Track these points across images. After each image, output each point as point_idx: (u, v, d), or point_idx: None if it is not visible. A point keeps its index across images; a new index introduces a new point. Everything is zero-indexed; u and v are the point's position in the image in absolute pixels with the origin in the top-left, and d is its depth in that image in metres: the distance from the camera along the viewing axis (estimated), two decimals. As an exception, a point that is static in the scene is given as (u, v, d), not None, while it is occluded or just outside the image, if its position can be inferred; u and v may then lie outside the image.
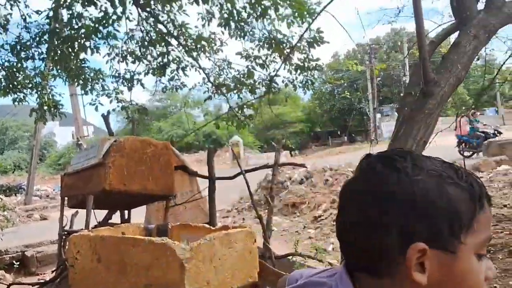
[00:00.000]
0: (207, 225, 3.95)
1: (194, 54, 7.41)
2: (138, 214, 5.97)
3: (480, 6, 3.69)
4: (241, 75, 7.22)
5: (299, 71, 6.91)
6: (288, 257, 4.01)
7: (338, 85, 34.07)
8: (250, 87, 7.06)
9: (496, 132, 15.61)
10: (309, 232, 9.45)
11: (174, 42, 7.41)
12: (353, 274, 0.86)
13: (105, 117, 6.77)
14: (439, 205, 0.78)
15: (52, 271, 7.24)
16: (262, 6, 6.41)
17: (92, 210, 4.74)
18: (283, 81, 7.19)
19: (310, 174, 13.17)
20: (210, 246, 3.21)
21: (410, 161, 0.82)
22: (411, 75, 3.81)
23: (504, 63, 4.69)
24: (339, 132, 39.50)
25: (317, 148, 37.57)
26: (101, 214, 5.57)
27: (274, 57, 7.09)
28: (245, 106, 7.05)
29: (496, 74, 4.84)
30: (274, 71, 6.77)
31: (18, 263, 9.26)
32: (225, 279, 3.28)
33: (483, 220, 0.81)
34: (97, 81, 7.65)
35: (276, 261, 4.02)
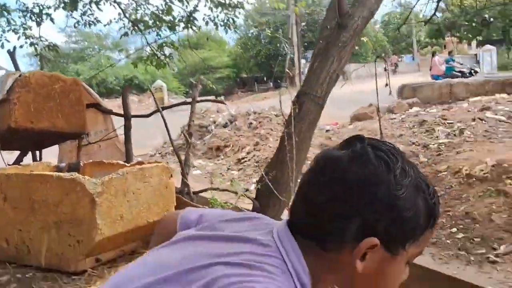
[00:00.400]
0: (121, 162, 3.85)
1: (108, -13, 6.94)
2: (52, 157, 5.69)
3: None
4: (160, 11, 6.88)
5: (220, 8, 6.71)
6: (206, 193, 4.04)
7: (264, 29, 33.80)
8: (169, 24, 6.76)
9: (472, 71, 15.10)
10: (232, 173, 9.58)
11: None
12: (295, 235, 0.87)
13: (11, 54, 6.26)
14: (408, 215, 0.83)
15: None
16: None
17: (1, 152, 4.45)
18: (203, 19, 6.96)
19: (234, 117, 13.20)
20: (122, 180, 3.13)
21: (400, 164, 0.85)
22: (328, 9, 3.83)
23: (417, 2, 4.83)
24: (265, 78, 39.68)
25: (243, 94, 37.59)
26: (13, 157, 5.25)
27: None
28: (164, 44, 6.78)
29: (409, 14, 4.98)
30: (194, 7, 6.51)
31: None
32: (140, 213, 3.24)
33: (428, 236, 0.88)
34: (1, 15, 6.98)
35: (195, 197, 4.04)
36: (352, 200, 0.82)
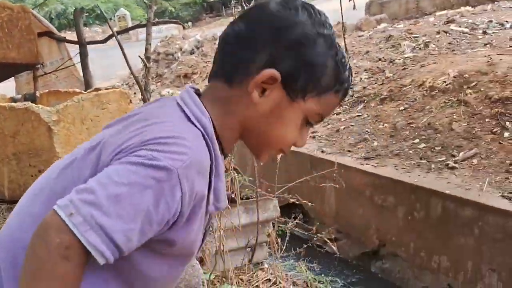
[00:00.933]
0: (78, 90, 3.75)
1: None
2: (9, 90, 5.50)
3: None
4: None
5: None
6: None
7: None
8: None
9: None
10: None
11: None
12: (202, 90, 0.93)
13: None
14: (314, 62, 0.86)
15: None
16: None
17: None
18: None
19: (200, 43, 12.89)
20: (79, 107, 3.06)
21: (322, 19, 0.88)
22: None
23: None
24: (232, 2, 38.35)
25: (211, 20, 36.48)
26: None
27: None
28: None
29: None
30: None
31: None
32: (100, 139, 3.22)
33: (329, 100, 0.90)
34: None
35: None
36: (265, 33, 0.85)
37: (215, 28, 20.11)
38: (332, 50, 0.87)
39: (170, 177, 0.74)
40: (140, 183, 0.72)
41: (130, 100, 3.47)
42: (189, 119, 0.83)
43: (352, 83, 1.02)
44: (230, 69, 0.88)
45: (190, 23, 32.64)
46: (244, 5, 3.23)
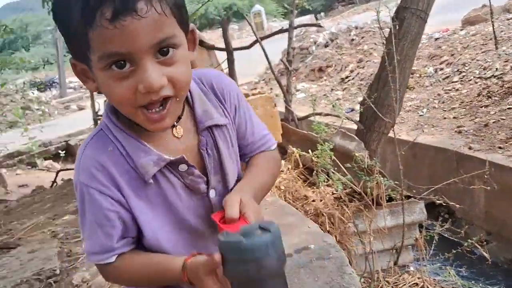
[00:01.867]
0: (228, 95, 4.05)
1: None
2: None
3: None
4: None
5: None
6: (310, 118, 4.11)
7: None
8: None
9: None
10: (336, 94, 9.49)
11: None
12: None
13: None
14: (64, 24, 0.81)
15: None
16: None
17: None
18: None
19: (335, 35, 12.79)
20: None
21: None
22: None
23: None
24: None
25: (343, 8, 35.88)
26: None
27: None
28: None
29: None
30: None
31: (64, 152, 9.91)
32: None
33: (96, 37, 0.76)
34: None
35: (299, 123, 4.15)
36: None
37: (349, 17, 19.78)
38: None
39: (76, 187, 0.95)
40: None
41: (275, 104, 3.65)
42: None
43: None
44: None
45: (322, 14, 32.53)
46: None
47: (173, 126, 0.94)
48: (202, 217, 0.99)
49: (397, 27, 3.02)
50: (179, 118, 0.95)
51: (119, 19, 0.74)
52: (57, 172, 6.37)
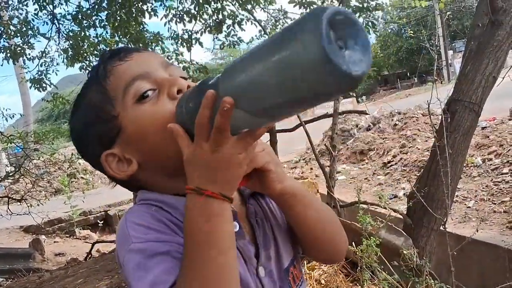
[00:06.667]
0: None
1: (249, 7, 7.27)
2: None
3: None
4: (298, 23, 6.99)
5: (358, 13, 6.57)
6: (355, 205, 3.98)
7: (404, 24, 32.28)
8: (308, 35, 6.82)
9: None
10: (378, 178, 9.29)
11: (227, -4, 7.32)
12: None
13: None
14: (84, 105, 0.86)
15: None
16: None
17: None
18: (341, 25, 6.86)
19: (377, 119, 12.81)
20: (272, 198, 3.25)
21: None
22: (478, 5, 3.50)
23: None
24: (408, 74, 37.78)
25: (385, 92, 36.34)
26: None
27: (331, 1, 6.79)
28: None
29: None
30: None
31: (102, 222, 10.00)
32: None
33: (118, 73, 0.82)
34: (156, 44, 7.77)
35: (342, 210, 4.01)
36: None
37: (391, 102, 19.92)
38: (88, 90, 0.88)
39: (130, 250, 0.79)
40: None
41: (318, 190, 3.56)
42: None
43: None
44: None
45: (364, 97, 33.00)
46: (431, 78, 3.15)
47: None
48: None
49: (449, 120, 2.95)
50: None
51: (119, 59, 0.87)
52: (93, 244, 6.36)
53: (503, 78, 3.20)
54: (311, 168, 11.75)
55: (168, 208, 0.81)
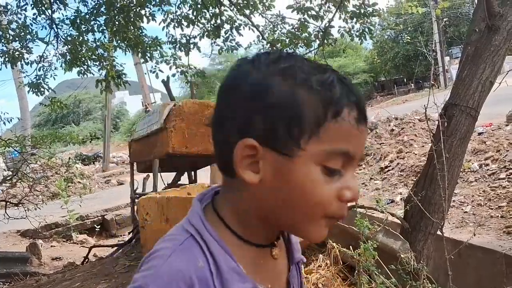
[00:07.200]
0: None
1: (247, 12, 7.31)
2: (204, 175, 6.16)
3: None
4: (295, 29, 7.04)
5: (355, 19, 6.62)
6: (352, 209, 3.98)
7: (401, 30, 32.46)
8: (305, 41, 6.87)
9: None
10: (376, 183, 9.31)
11: (226, 2, 7.35)
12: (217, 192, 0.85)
13: (165, 83, 6.94)
14: (279, 105, 0.72)
15: (129, 233, 7.73)
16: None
17: (160, 173, 4.95)
18: (338, 31, 6.93)
19: (374, 125, 12.85)
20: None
21: (273, 58, 0.75)
22: (475, 10, 3.53)
23: None
24: (405, 80, 37.91)
25: (382, 98, 36.43)
26: (171, 175, 5.82)
27: (328, 7, 6.83)
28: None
29: None
30: (329, 21, 6.53)
31: (99, 226, 9.98)
32: (288, 233, 3.34)
33: (335, 129, 0.72)
34: (155, 48, 7.79)
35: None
36: (221, 107, 0.77)
37: (388, 107, 19.98)
38: (296, 79, 0.73)
39: None
40: None
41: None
42: (182, 225, 0.79)
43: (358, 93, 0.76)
44: (219, 162, 0.79)
45: (361, 102, 33.11)
46: (428, 84, 3.16)
47: (273, 244, 0.84)
48: None
49: (446, 124, 2.96)
50: (278, 237, 0.85)
51: (362, 122, 0.74)
52: (90, 248, 6.34)
53: (500, 83, 3.22)
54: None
55: (214, 270, 0.75)
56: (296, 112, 0.71)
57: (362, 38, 6.85)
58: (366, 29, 6.78)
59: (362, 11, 6.53)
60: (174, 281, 0.71)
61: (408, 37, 28.07)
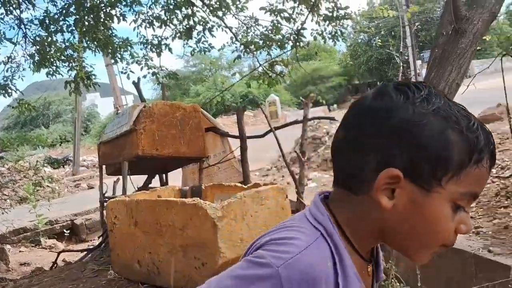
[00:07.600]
0: (239, 184, 3.98)
1: (220, 13, 7.27)
2: (176, 179, 6.08)
3: None
4: (269, 31, 7.04)
5: (327, 22, 6.67)
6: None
7: (375, 34, 32.93)
8: (279, 43, 6.88)
9: None
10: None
11: (198, 3, 7.30)
12: (330, 195, 0.88)
13: (136, 84, 6.83)
14: (430, 143, 0.76)
15: (99, 237, 7.58)
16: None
17: (130, 176, 4.86)
18: (311, 34, 6.96)
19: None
20: (241, 204, 3.23)
21: (424, 94, 0.78)
22: (442, 14, 3.59)
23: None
24: (378, 83, 38.45)
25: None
26: (141, 179, 5.73)
27: (301, 10, 6.86)
28: (275, 63, 6.91)
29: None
30: (301, 24, 6.56)
31: (68, 231, 9.75)
32: (258, 235, 3.31)
33: (474, 174, 0.78)
34: (125, 49, 7.68)
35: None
36: (365, 132, 0.79)
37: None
38: (449, 122, 0.77)
39: (271, 274, 0.72)
40: (246, 278, 0.74)
41: (286, 196, 3.56)
42: (308, 221, 0.82)
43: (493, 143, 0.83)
44: (347, 178, 0.83)
45: (335, 105, 33.39)
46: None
47: (371, 261, 0.90)
48: None
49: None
50: (372, 255, 0.91)
51: (492, 168, 0.82)
52: (59, 253, 6.19)
53: (468, 86, 3.27)
54: (283, 176, 11.78)
55: (341, 277, 0.79)
56: (445, 155, 0.76)
57: (335, 40, 6.91)
58: (339, 31, 6.84)
59: (335, 14, 6.58)
60: (306, 275, 0.74)
61: (380, 41, 28.46)
